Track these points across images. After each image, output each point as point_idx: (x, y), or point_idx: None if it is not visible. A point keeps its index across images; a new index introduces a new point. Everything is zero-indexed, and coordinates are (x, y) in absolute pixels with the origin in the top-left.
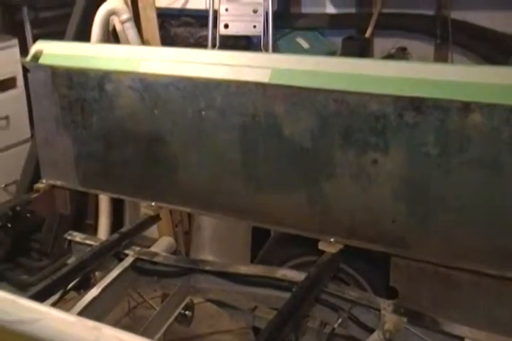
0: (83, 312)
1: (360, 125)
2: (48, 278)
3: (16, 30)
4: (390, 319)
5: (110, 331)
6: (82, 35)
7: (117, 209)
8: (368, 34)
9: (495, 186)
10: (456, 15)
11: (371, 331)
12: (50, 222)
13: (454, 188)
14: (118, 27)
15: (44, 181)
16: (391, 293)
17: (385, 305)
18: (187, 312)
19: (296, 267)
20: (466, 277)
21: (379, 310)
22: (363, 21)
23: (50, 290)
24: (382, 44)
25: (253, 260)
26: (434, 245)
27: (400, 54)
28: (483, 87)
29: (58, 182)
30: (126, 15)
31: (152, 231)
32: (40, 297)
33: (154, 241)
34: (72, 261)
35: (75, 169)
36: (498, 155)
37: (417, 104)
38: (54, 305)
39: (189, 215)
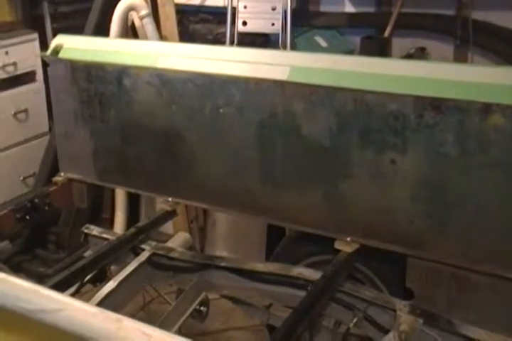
0: (100, 305)
1: (379, 124)
2: (65, 270)
3: (36, 25)
4: (405, 320)
5: (131, 323)
6: (101, 30)
7: (133, 203)
8: (387, 33)
9: None
10: (477, 15)
11: (386, 332)
12: (67, 215)
13: (473, 190)
14: (137, 22)
15: (62, 174)
16: (407, 294)
17: (401, 305)
18: (202, 308)
19: (312, 266)
20: (483, 279)
21: (395, 311)
22: (382, 21)
23: (68, 281)
24: (401, 44)
25: (268, 257)
26: (451, 247)
27: (419, 54)
28: (504, 89)
29: (76, 176)
30: (144, 10)
31: (167, 226)
32: (58, 288)
33: (170, 236)
34: (88, 254)
35: (93, 163)
36: None
37: (436, 105)
38: (71, 296)
39: (204, 211)
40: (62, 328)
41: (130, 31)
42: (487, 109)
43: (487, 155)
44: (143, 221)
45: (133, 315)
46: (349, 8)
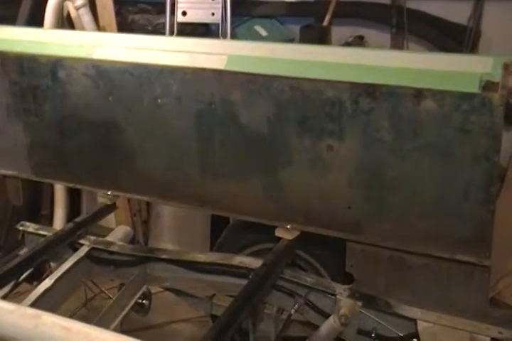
0: (36, 304)
1: (316, 111)
2: None
3: None
4: (345, 304)
5: (50, 318)
6: (35, 20)
7: (74, 199)
8: (325, 22)
9: (446, 172)
10: (411, 4)
11: (327, 316)
12: (3, 213)
13: (407, 173)
14: (73, 13)
15: None
16: (348, 278)
17: (341, 290)
18: (144, 301)
19: (255, 254)
20: (418, 260)
21: (335, 295)
22: (321, 9)
23: (1, 281)
24: (339, 32)
25: (213, 248)
26: (388, 230)
27: (358, 42)
28: (434, 74)
29: (10, 172)
30: (81, 0)
31: (110, 221)
32: None
33: (111, 231)
34: (24, 252)
35: (28, 158)
36: (449, 141)
37: (371, 91)
38: (4, 297)
39: (148, 204)
40: None
41: (66, 22)
42: (419, 94)
43: (420, 139)
44: (82, 215)
45: (74, 312)
46: None
